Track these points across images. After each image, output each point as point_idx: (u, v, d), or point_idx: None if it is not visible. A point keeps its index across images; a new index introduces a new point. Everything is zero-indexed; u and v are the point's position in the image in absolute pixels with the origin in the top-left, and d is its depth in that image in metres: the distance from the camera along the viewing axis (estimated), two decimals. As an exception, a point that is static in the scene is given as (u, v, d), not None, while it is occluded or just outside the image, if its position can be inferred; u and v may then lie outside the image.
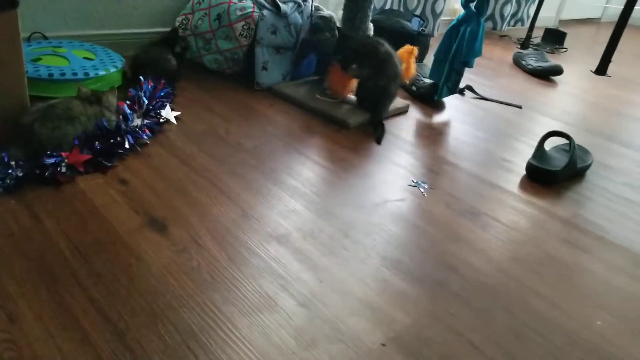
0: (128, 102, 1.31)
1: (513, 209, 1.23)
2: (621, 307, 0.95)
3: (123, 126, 1.18)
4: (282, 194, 1.15)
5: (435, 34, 2.70)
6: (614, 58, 2.60)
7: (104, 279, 0.84)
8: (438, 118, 1.74)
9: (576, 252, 1.09)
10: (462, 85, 1.91)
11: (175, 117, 1.41)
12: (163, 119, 1.35)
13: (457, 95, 1.93)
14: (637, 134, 1.85)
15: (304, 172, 1.26)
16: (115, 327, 0.76)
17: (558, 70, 2.41)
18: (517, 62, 2.58)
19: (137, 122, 1.25)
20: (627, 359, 0.83)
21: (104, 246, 0.91)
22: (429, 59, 1.81)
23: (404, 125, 1.61)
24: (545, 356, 0.82)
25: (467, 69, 1.77)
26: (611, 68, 2.62)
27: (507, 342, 0.83)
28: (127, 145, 1.17)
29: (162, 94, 1.41)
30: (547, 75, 2.42)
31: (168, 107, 1.40)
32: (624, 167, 1.55)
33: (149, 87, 1.38)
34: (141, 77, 1.42)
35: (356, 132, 1.53)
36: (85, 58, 1.53)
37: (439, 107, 1.83)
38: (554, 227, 1.17)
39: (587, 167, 1.47)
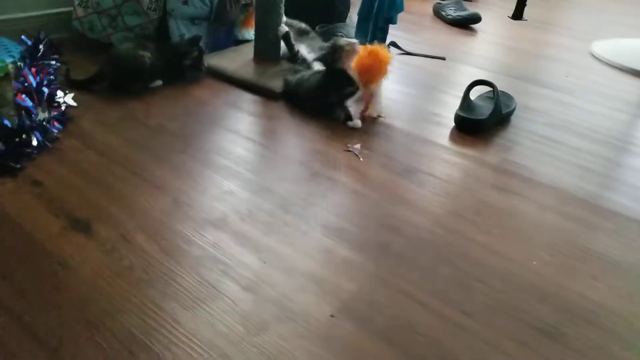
0: (24, 94, 1.19)
1: (446, 162, 1.25)
2: (554, 244, 1.00)
3: (27, 122, 1.08)
4: (214, 175, 1.11)
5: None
6: (528, 2, 2.67)
7: (28, 294, 0.77)
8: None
9: (508, 197, 1.13)
10: (386, 42, 1.89)
11: (72, 105, 1.30)
12: (63, 104, 1.24)
13: (382, 53, 1.91)
14: (554, 74, 1.92)
15: (235, 149, 1.21)
16: (46, 345, 0.70)
17: (476, 18, 2.45)
18: (437, 13, 2.59)
19: (43, 115, 1.14)
20: (563, 292, 0.88)
21: (24, 257, 0.84)
22: (353, 19, 1.78)
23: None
24: (488, 301, 0.84)
25: (390, 25, 1.75)
26: (527, 12, 2.69)
27: (452, 294, 0.85)
28: (34, 143, 1.07)
29: (51, 76, 1.28)
30: (466, 23, 2.45)
31: (60, 92, 1.27)
32: (544, 107, 1.61)
33: (33, 73, 1.25)
34: (21, 65, 1.28)
35: (285, 101, 1.49)
36: (-25, 50, 1.38)
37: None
38: (485, 175, 1.20)
39: (512, 112, 1.51)
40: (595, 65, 2.08)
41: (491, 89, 1.46)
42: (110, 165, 1.10)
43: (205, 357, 0.71)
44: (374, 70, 1.35)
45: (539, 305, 0.85)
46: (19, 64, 1.34)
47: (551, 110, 1.59)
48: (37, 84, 1.21)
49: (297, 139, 1.29)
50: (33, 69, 1.26)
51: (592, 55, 2.18)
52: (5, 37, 1.49)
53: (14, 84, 1.21)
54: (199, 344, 0.73)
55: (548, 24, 2.69)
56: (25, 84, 1.20)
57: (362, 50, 1.35)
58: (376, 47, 1.35)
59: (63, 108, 1.24)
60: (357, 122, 1.36)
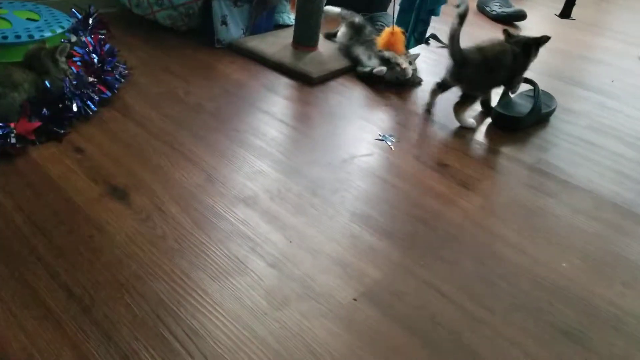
0: (79, 61, 1.23)
1: (480, 158, 1.24)
2: (585, 248, 0.98)
3: (69, 88, 1.11)
4: (247, 155, 1.13)
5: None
6: (578, 1, 2.59)
7: (65, 253, 0.81)
8: (404, 69, 1.71)
9: (541, 197, 1.11)
10: (427, 34, 1.87)
11: (128, 76, 1.34)
12: (117, 73, 1.28)
13: (422, 45, 1.90)
14: (598, 77, 1.86)
15: (269, 131, 1.23)
16: (80, 302, 0.74)
17: (522, 15, 2.39)
18: (481, 9, 2.55)
19: (88, 81, 1.18)
20: (591, 297, 0.86)
21: (63, 219, 0.88)
22: (395, 8, 1.76)
23: (370, 80, 1.58)
24: (511, 299, 0.84)
25: (433, 18, 1.73)
26: (575, 11, 2.61)
27: (476, 289, 0.85)
28: (74, 109, 1.11)
29: (107, 49, 1.32)
30: (511, 20, 2.40)
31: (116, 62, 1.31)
32: (586, 110, 1.57)
33: (94, 43, 1.30)
34: (83, 35, 1.33)
35: (321, 87, 1.50)
36: (28, 19, 1.43)
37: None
38: (520, 174, 1.19)
39: (551, 112, 1.48)
40: (643, 70, 2.01)
41: (532, 87, 1.43)
42: (148, 137, 1.13)
43: (229, 327, 0.73)
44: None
45: (565, 308, 0.84)
46: (68, 35, 1.39)
47: (593, 114, 1.55)
48: (88, 52, 1.25)
49: (330, 126, 1.30)
50: (94, 37, 1.31)
51: (641, 60, 2.11)
52: (57, 10, 1.54)
53: (76, 49, 1.26)
54: (224, 314, 0.75)
55: (596, 26, 2.60)
56: (80, 52, 1.24)
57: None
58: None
59: (115, 74, 1.28)
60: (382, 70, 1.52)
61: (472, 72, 1.30)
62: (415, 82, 1.58)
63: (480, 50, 1.31)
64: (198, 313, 0.74)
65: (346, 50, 1.65)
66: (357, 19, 1.72)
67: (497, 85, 1.40)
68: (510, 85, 1.40)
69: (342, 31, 1.73)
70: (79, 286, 0.76)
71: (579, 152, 1.31)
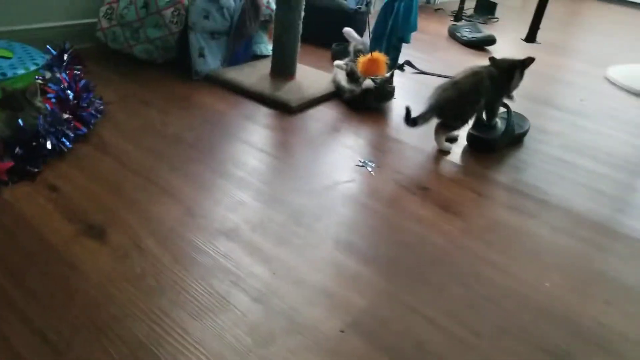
0: (53, 98, 1.22)
1: (458, 180, 1.25)
2: (566, 266, 0.99)
3: (43, 125, 1.09)
4: (228, 186, 1.12)
5: (373, 10, 2.68)
6: (542, 25, 2.68)
7: (39, 297, 0.78)
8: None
9: (521, 217, 1.12)
10: (401, 60, 1.91)
11: (104, 111, 1.32)
12: (92, 109, 1.27)
13: (397, 71, 1.93)
14: (568, 97, 1.92)
15: (250, 161, 1.23)
16: (55, 348, 0.71)
17: (491, 40, 2.46)
18: (453, 35, 2.61)
19: (63, 118, 1.16)
20: (574, 316, 0.86)
21: (37, 260, 0.85)
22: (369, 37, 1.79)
23: (349, 107, 1.59)
24: (498, 322, 0.83)
25: (405, 44, 1.77)
26: (540, 35, 2.70)
27: (461, 312, 0.84)
28: (49, 146, 1.09)
29: (82, 84, 1.31)
30: (481, 45, 2.47)
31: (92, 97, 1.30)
32: (558, 129, 1.61)
33: (68, 79, 1.29)
34: (58, 72, 1.32)
35: (300, 115, 1.50)
36: (1, 57, 1.41)
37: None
38: (498, 195, 1.20)
39: (525, 133, 1.51)
40: (610, 89, 2.07)
41: (505, 109, 1.46)
42: (125, 172, 1.11)
43: (212, 366, 0.71)
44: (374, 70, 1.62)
45: (550, 328, 0.83)
46: (42, 72, 1.38)
47: (565, 133, 1.59)
48: (73, 89, 1.24)
49: (310, 153, 1.30)
50: (69, 73, 1.30)
51: (607, 79, 2.18)
52: (31, 46, 1.53)
53: (51, 86, 1.24)
54: (206, 353, 0.72)
55: (561, 48, 2.69)
56: (54, 89, 1.23)
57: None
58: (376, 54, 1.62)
59: (90, 110, 1.26)
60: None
61: (450, 109, 1.33)
62: (387, 91, 1.59)
63: (455, 84, 1.33)
64: (179, 354, 0.72)
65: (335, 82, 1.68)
66: (360, 46, 1.79)
67: (480, 112, 1.42)
68: (492, 110, 1.42)
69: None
70: (53, 331, 0.73)
71: (555, 171, 1.34)
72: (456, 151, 1.40)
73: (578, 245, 1.05)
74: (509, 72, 1.38)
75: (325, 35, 1.82)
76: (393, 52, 1.75)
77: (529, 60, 1.38)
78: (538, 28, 2.68)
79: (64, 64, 1.44)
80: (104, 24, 1.66)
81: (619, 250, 1.05)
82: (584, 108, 1.81)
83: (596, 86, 2.10)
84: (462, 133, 1.44)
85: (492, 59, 1.40)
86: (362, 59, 1.63)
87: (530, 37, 2.69)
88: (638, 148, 1.55)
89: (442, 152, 1.37)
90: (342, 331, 0.78)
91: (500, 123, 1.45)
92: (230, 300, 0.82)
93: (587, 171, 1.35)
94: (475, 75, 1.35)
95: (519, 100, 1.78)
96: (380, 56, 1.63)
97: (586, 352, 0.80)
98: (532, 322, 0.84)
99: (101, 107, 1.32)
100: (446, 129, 1.37)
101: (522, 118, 1.55)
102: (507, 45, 2.58)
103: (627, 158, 1.45)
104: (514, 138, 1.45)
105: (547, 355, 0.78)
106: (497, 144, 1.39)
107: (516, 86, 1.42)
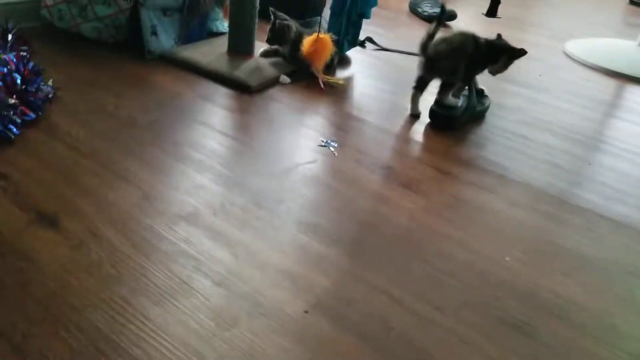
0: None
1: (419, 158, 1.26)
2: (525, 240, 1.01)
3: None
4: (186, 169, 1.09)
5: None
6: (503, 0, 2.70)
7: (-11, 290, 0.75)
8: (342, 73, 1.72)
9: (481, 193, 1.14)
10: (362, 37, 1.89)
11: (54, 96, 1.26)
12: (40, 92, 1.20)
13: (358, 48, 1.91)
14: (528, 72, 1.95)
15: (208, 143, 1.19)
16: (10, 340, 0.68)
17: (452, 15, 2.47)
18: (413, 10, 2.60)
19: (9, 103, 1.10)
20: (535, 289, 0.89)
21: (-15, 253, 0.81)
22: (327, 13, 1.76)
23: (310, 85, 1.57)
24: (461, 297, 0.85)
25: (365, 20, 1.75)
26: (501, 9, 2.72)
27: (425, 290, 0.85)
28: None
29: (30, 68, 1.24)
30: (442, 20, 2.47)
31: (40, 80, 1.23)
32: (518, 105, 1.63)
33: (16, 61, 1.21)
34: (4, 53, 1.25)
35: (260, 95, 1.47)
36: (-64, 37, 1.32)
37: (343, 62, 1.80)
38: (458, 171, 1.21)
39: (486, 109, 1.52)
40: (568, 64, 2.12)
41: (467, 87, 1.47)
42: (78, 158, 1.07)
43: (175, 353, 0.69)
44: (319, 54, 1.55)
45: (511, 301, 0.86)
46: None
47: (525, 109, 1.61)
48: (21, 72, 1.17)
49: (271, 134, 1.28)
50: (16, 55, 1.22)
51: (566, 54, 2.23)
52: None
53: None
54: (169, 339, 0.71)
55: (522, 22, 2.73)
56: (8, 69, 1.15)
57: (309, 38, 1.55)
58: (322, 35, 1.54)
59: (40, 95, 1.20)
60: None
61: (444, 62, 1.35)
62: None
63: (444, 40, 1.37)
64: (141, 341, 0.70)
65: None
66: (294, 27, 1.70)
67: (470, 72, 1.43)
68: (466, 76, 1.42)
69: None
70: (8, 324, 0.70)
71: (514, 147, 1.36)
72: (418, 129, 1.40)
73: (537, 219, 1.08)
74: (496, 54, 1.39)
75: (284, 10, 1.77)
76: (353, 28, 1.72)
77: (520, 52, 1.38)
78: (499, 2, 2.70)
79: (8, 45, 1.35)
80: (49, 1, 1.57)
81: (576, 223, 1.08)
82: (543, 83, 1.85)
83: (555, 61, 2.14)
84: (424, 111, 1.44)
85: (499, 35, 1.42)
86: (307, 40, 1.55)
87: (492, 12, 2.71)
88: (595, 122, 1.59)
89: (405, 130, 1.38)
90: (306, 312, 0.78)
91: (462, 100, 1.46)
92: (192, 285, 0.80)
93: (545, 146, 1.38)
94: (462, 35, 1.39)
95: (479, 77, 1.79)
96: (327, 37, 1.56)
97: (546, 323, 0.82)
98: (493, 296, 0.86)
99: (50, 91, 1.25)
100: (444, 91, 1.39)
101: (483, 94, 1.57)
102: (469, 19, 2.60)
103: (584, 132, 1.49)
104: (474, 114, 1.47)
105: (508, 328, 0.80)
106: (457, 120, 1.41)
107: (497, 71, 1.43)
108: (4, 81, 1.15)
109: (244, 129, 1.29)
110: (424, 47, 1.37)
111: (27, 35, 1.41)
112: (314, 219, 0.99)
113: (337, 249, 0.92)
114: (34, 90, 1.19)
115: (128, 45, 1.61)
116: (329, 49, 1.55)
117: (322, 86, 1.54)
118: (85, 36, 1.59)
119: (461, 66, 1.37)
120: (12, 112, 1.10)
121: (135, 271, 0.81)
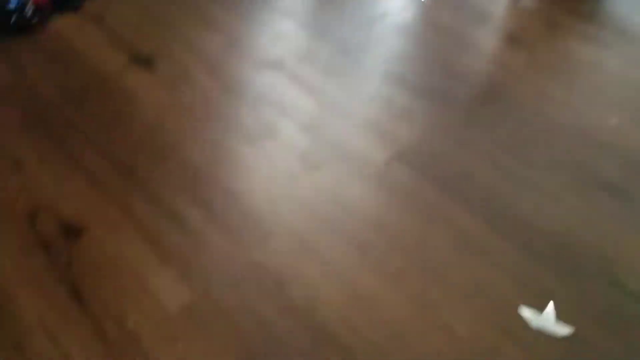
0: None
1: (529, 8, 1.12)
2: (636, 102, 0.91)
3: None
4: (272, 16, 1.05)
5: None
6: None
7: (100, 121, 0.81)
8: None
9: (593, 48, 1.01)
10: None
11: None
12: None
13: None
14: None
15: (295, -12, 1.14)
16: (119, 166, 0.75)
17: None
18: None
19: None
20: (638, 154, 0.82)
21: (92, 89, 0.87)
22: None
23: None
24: (553, 155, 0.80)
25: None
26: None
27: (515, 146, 0.81)
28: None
29: None
30: None
31: None
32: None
33: None
34: None
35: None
36: None
37: None
38: (572, 25, 1.07)
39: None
40: None
41: None
42: (167, 3, 1.07)
43: (264, 189, 0.73)
44: None
45: (608, 164, 0.80)
46: None
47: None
48: None
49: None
50: None
51: None
52: None
53: None
54: (260, 176, 0.75)
55: None
56: None
57: None
58: None
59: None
60: None
61: None
62: None
63: None
64: (234, 179, 0.75)
65: None
66: None
67: None
68: None
69: None
70: (119, 153, 0.77)
71: (642, -3, 1.17)
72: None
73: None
74: None
75: None
76: None
77: None
78: None
79: None
80: None
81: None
82: None
83: None
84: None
85: None
86: None
87: None
88: None
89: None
90: (389, 161, 0.78)
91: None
92: (279, 129, 0.82)
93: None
94: None
95: None
96: None
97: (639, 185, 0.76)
98: (590, 157, 0.80)
99: None
100: None
101: None
102: None
103: None
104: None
105: (600, 190, 0.76)
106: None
107: None
108: None
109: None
110: None
111: None
112: (401, 70, 0.94)
113: (424, 102, 0.88)
114: None
115: None
116: None
117: None
118: None
119: None
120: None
121: (226, 112, 0.85)
